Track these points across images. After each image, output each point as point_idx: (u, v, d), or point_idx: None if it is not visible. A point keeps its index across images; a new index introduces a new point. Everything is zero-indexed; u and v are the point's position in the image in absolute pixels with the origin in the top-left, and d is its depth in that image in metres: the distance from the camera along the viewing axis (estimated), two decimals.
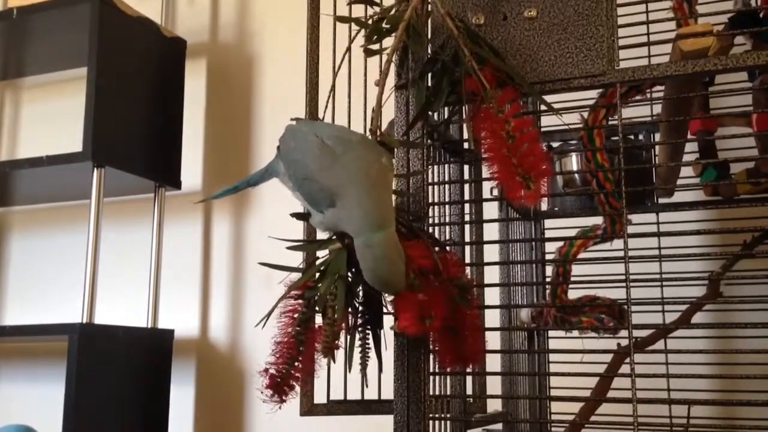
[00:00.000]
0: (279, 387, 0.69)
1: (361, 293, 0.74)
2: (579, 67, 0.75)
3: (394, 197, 0.78)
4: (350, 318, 0.73)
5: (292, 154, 0.73)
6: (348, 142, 0.70)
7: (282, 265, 0.75)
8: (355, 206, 0.66)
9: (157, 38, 1.81)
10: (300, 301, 0.71)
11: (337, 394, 0.88)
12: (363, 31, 0.79)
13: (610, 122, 0.92)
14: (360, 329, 0.75)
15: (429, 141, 0.82)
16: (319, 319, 0.71)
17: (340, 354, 0.70)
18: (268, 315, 0.72)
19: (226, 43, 1.96)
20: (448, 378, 0.85)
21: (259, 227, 1.83)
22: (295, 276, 0.73)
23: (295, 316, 0.70)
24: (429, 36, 0.80)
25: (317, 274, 0.73)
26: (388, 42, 0.77)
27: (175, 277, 1.88)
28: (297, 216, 0.77)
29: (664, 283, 1.08)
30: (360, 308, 0.74)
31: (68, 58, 1.94)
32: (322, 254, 0.76)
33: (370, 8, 0.82)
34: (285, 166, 0.74)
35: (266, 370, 0.69)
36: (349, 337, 0.73)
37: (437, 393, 0.81)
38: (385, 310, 0.75)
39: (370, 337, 0.75)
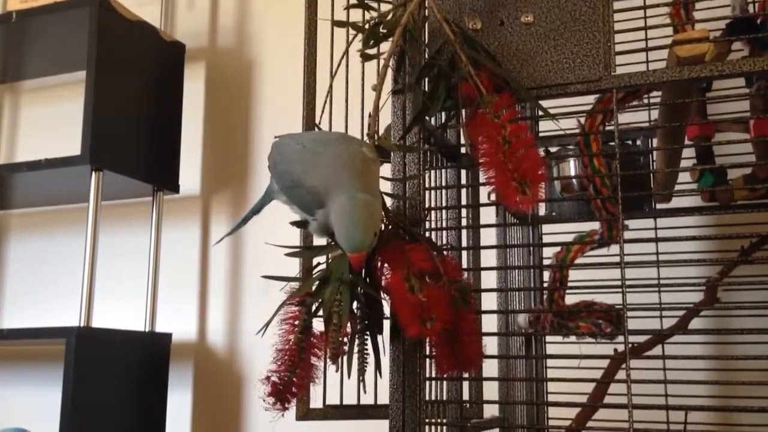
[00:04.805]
0: (281, 394, 0.69)
1: (363, 299, 0.74)
2: (575, 73, 0.75)
3: (390, 201, 0.78)
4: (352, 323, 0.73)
5: (279, 167, 0.73)
6: (327, 141, 0.71)
7: (284, 276, 0.74)
8: (342, 192, 0.66)
9: (156, 42, 1.81)
10: (300, 308, 0.71)
11: (333, 399, 0.88)
12: (360, 36, 0.79)
13: (607, 128, 0.92)
14: (359, 334, 0.75)
15: (426, 145, 0.82)
16: (317, 326, 0.71)
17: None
18: (269, 323, 0.71)
19: (225, 47, 1.96)
20: (445, 383, 0.85)
21: (257, 232, 1.83)
22: (295, 283, 0.73)
23: (296, 323, 0.70)
24: (426, 41, 0.80)
25: (317, 282, 0.72)
26: (386, 47, 0.78)
27: (173, 281, 1.88)
28: (296, 224, 0.77)
29: (662, 288, 1.08)
30: (359, 313, 0.74)
31: (67, 62, 1.94)
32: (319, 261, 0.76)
33: (368, 13, 0.82)
34: (275, 180, 0.75)
35: (268, 378, 0.68)
36: (350, 342, 0.73)
37: (434, 398, 0.81)
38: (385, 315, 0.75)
39: (369, 342, 0.75)
